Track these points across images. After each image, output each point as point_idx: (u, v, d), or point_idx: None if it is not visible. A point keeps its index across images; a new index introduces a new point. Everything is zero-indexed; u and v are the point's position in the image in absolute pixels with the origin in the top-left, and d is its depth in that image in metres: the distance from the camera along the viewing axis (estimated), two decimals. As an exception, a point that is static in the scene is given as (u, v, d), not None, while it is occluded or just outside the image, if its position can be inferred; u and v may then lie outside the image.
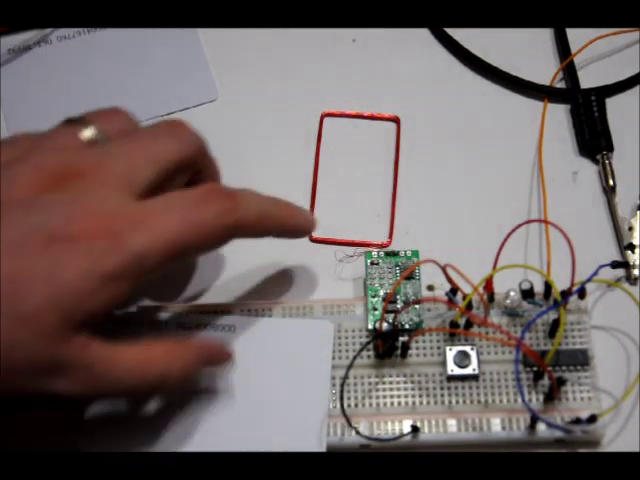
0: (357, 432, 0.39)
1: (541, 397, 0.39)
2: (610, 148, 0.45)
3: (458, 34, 0.49)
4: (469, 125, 0.47)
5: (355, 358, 0.40)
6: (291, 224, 0.39)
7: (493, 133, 0.47)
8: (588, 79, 0.47)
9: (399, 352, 0.40)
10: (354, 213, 0.45)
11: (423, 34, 0.49)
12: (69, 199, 0.34)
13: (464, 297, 0.40)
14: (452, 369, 0.40)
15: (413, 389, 0.40)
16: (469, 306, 0.40)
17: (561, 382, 0.39)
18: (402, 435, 0.39)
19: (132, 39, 0.49)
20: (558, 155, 0.46)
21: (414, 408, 0.39)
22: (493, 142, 0.47)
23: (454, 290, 0.40)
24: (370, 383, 0.40)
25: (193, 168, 0.38)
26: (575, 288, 0.39)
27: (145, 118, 0.47)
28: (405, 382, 0.40)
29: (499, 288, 0.40)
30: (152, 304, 0.42)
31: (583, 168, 0.46)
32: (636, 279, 0.43)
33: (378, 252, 0.42)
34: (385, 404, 0.40)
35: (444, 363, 0.40)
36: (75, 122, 0.37)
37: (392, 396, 0.40)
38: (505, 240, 0.39)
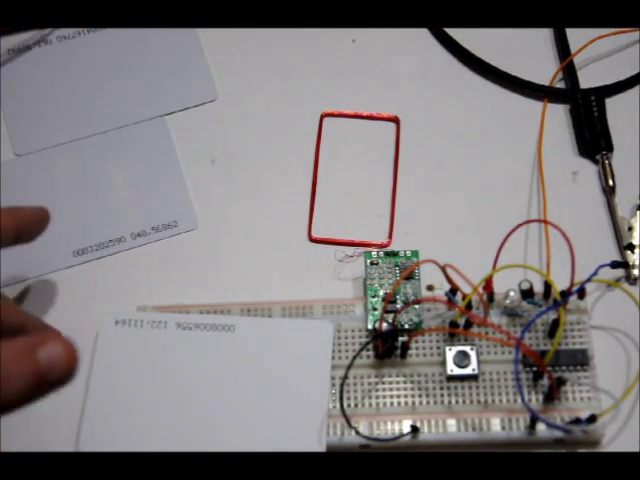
0: (357, 432, 0.39)
1: (541, 397, 0.39)
2: (610, 148, 0.45)
3: (458, 34, 0.49)
4: (469, 125, 0.47)
5: (355, 358, 0.40)
6: None
7: (493, 133, 0.47)
8: (588, 79, 0.47)
9: (399, 352, 0.40)
10: (354, 213, 0.45)
11: (423, 34, 0.49)
12: None
13: (464, 297, 0.40)
14: (452, 369, 0.40)
15: (413, 389, 0.40)
16: (469, 306, 0.40)
17: (561, 382, 0.39)
18: (402, 435, 0.39)
19: (132, 39, 0.49)
20: (558, 155, 0.46)
21: (414, 408, 0.40)
22: (493, 142, 0.47)
23: (454, 290, 0.40)
24: (370, 383, 0.40)
25: None
26: (575, 288, 0.39)
27: (145, 118, 0.47)
28: (405, 382, 0.40)
29: (499, 288, 0.40)
30: (152, 304, 0.42)
31: (583, 168, 0.46)
32: (636, 279, 0.43)
33: (378, 252, 0.42)
34: (385, 404, 0.40)
35: (444, 363, 0.40)
36: None
37: (392, 396, 0.40)
38: (505, 240, 0.39)
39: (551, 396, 0.39)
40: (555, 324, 0.40)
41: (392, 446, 0.39)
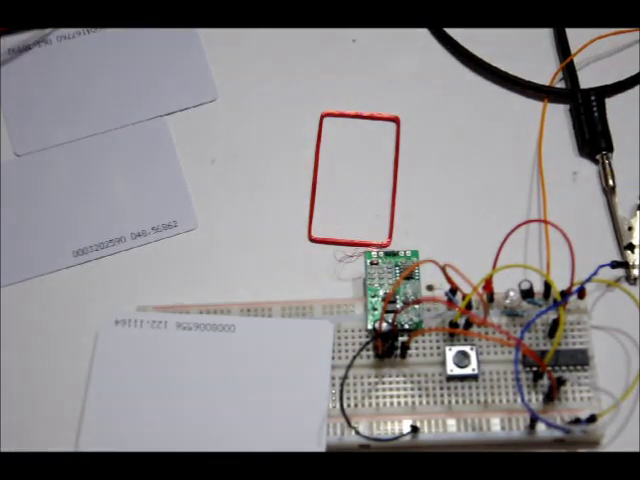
0: (357, 432, 0.39)
1: (540, 397, 0.39)
2: (610, 148, 0.45)
3: (458, 34, 0.49)
4: (469, 125, 0.47)
5: (355, 358, 0.40)
6: None
7: (493, 133, 0.47)
8: (588, 79, 0.47)
9: (399, 352, 0.40)
10: (354, 213, 0.45)
11: (423, 34, 0.49)
12: None
13: (464, 297, 0.40)
14: (452, 369, 0.40)
15: (413, 389, 0.40)
16: (469, 306, 0.40)
17: (561, 382, 0.38)
18: (402, 435, 0.39)
19: (132, 39, 0.49)
20: (558, 155, 0.46)
21: (414, 408, 0.39)
22: (493, 142, 0.47)
23: (454, 290, 0.40)
24: (370, 383, 0.40)
25: None
26: (575, 288, 0.39)
27: (145, 118, 0.47)
28: (405, 382, 0.40)
29: (499, 288, 0.40)
30: (152, 304, 0.42)
31: (583, 168, 0.46)
32: (636, 279, 0.43)
33: (378, 252, 0.42)
34: (385, 404, 0.40)
35: (444, 363, 0.40)
36: None
37: (392, 396, 0.40)
38: (505, 240, 0.39)
39: (551, 396, 0.39)
40: (555, 324, 0.40)
41: (392, 446, 0.39)
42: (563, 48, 0.48)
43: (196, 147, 0.47)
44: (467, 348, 0.40)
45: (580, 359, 0.40)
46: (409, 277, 0.42)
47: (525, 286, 0.40)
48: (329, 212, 0.45)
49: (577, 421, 0.38)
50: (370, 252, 0.42)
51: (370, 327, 0.41)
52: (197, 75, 0.48)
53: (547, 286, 0.41)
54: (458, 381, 0.40)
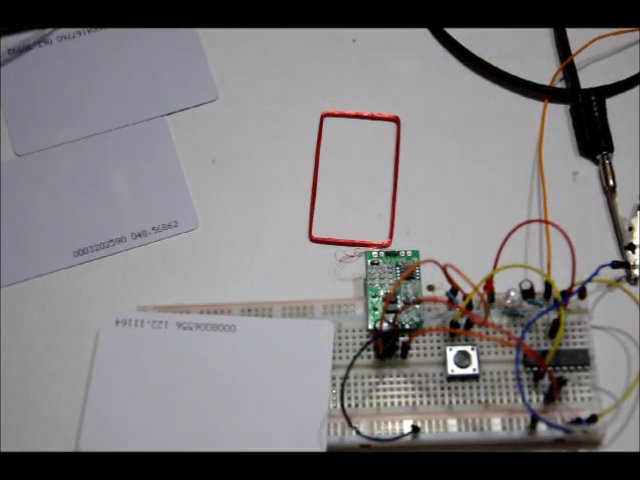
0: (357, 432, 0.39)
1: (541, 397, 0.39)
2: (610, 148, 0.45)
3: (458, 34, 0.49)
4: (469, 125, 0.47)
5: (355, 358, 0.40)
6: None
7: (493, 133, 0.47)
8: (588, 79, 0.47)
9: (399, 352, 0.40)
10: (354, 213, 0.45)
11: (423, 34, 0.49)
12: None
13: (464, 297, 0.40)
14: (452, 369, 0.40)
15: (413, 389, 0.40)
16: (469, 306, 0.40)
17: (561, 382, 0.38)
18: (402, 435, 0.39)
19: (132, 39, 0.49)
20: (558, 155, 0.46)
21: (414, 408, 0.39)
22: (493, 142, 0.47)
23: (454, 290, 0.40)
24: (370, 383, 0.40)
25: None
26: (575, 288, 0.39)
27: (145, 118, 0.47)
28: (405, 382, 0.40)
29: (499, 288, 0.40)
30: (152, 304, 0.42)
31: (583, 168, 0.46)
32: (636, 279, 0.43)
33: (378, 252, 0.42)
34: (385, 404, 0.40)
35: (444, 363, 0.40)
36: None
37: (392, 396, 0.40)
38: (505, 240, 0.39)
39: (552, 396, 0.39)
40: (556, 324, 0.40)
41: (393, 446, 0.39)
42: (563, 48, 0.48)
43: (196, 147, 0.47)
44: (468, 348, 0.40)
45: (581, 359, 0.40)
46: (410, 277, 0.42)
47: (526, 286, 0.40)
48: (329, 212, 0.45)
49: (578, 421, 0.38)
50: (371, 252, 0.42)
51: (371, 327, 0.41)
52: (197, 75, 0.48)
53: (548, 286, 0.41)
54: (459, 381, 0.40)
